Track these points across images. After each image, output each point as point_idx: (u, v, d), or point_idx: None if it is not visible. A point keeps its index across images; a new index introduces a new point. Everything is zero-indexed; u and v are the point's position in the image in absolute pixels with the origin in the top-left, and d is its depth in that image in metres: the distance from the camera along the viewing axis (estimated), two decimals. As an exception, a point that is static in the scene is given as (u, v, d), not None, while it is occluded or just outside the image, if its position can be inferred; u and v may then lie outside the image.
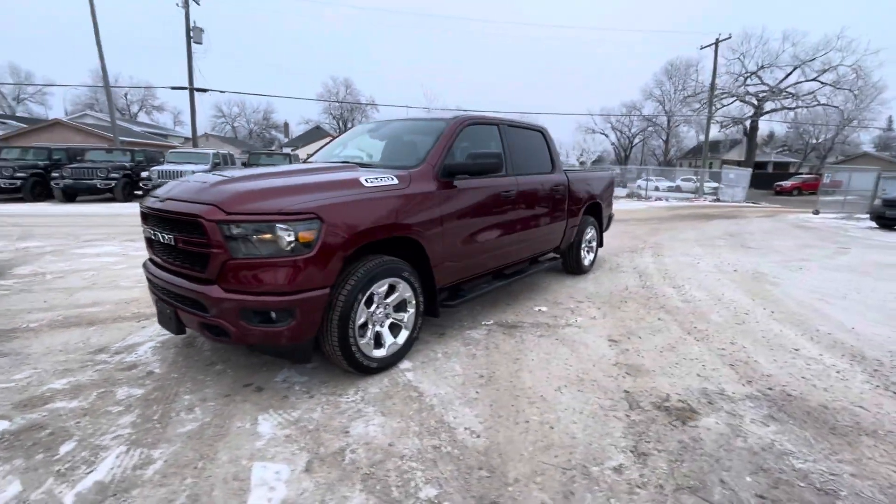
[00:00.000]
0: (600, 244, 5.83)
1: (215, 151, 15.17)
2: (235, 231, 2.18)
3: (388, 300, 2.76)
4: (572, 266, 5.25)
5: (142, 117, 53.14)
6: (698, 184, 24.09)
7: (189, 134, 26.16)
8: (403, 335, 2.87)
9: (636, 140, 53.58)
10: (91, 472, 1.84)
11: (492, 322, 3.68)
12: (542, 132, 4.54)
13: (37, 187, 13.12)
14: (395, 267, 2.69)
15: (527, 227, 4.01)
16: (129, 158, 14.32)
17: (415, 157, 3.16)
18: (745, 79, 34.90)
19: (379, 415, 2.29)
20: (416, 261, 2.94)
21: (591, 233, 5.43)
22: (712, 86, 25.58)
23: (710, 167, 32.48)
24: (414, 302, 2.88)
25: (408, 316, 2.88)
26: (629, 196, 22.81)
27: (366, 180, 2.66)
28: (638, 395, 2.53)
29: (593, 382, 2.66)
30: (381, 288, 2.64)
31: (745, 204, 21.08)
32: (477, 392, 2.53)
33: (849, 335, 3.52)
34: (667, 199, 21.03)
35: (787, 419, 2.30)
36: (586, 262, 5.39)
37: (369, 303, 2.62)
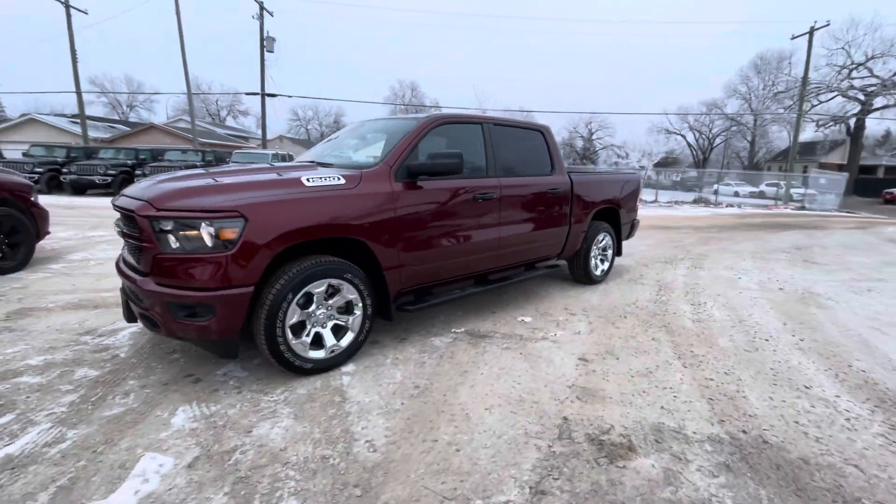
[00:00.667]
0: (618, 253, 5.38)
1: (275, 152, 16.23)
2: (163, 226, 2.26)
3: (331, 301, 2.72)
4: (580, 275, 4.89)
5: (229, 121, 58.54)
6: (784, 189, 21.54)
7: (268, 136, 28.32)
8: (348, 338, 2.82)
9: (717, 141, 49.24)
10: (9, 444, 1.99)
11: (462, 330, 3.51)
12: (542, 132, 4.27)
13: (124, 183, 14.88)
14: (335, 268, 2.65)
15: (515, 232, 3.79)
16: (200, 158, 15.76)
17: (353, 155, 3.10)
18: (850, 71, 30.60)
19: (291, 417, 2.25)
20: (368, 263, 2.87)
21: (604, 240, 5.02)
22: (804, 80, 22.70)
23: (805, 171, 28.94)
24: (361, 305, 2.82)
25: (353, 318, 2.82)
26: (696, 202, 20.95)
27: (307, 180, 2.64)
28: (577, 423, 2.26)
29: (534, 405, 2.43)
30: (318, 289, 2.61)
31: (836, 213, 18.47)
32: (402, 403, 2.41)
33: (890, 375, 2.90)
34: (739, 206, 19.00)
35: (745, 471, 1.93)
36: (598, 272, 4.99)
37: (307, 303, 2.60)
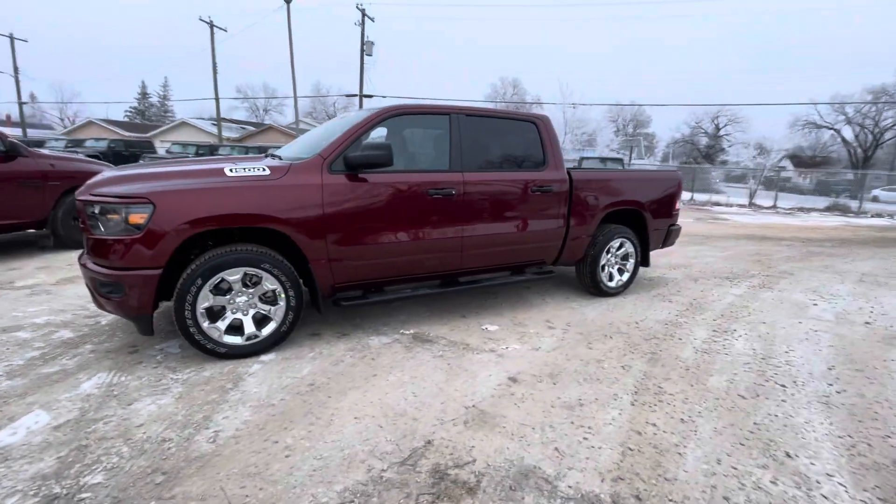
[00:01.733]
0: (644, 262, 4.65)
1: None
2: (91, 210, 2.52)
3: (252, 290, 2.78)
4: (587, 285, 4.34)
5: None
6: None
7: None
8: (270, 327, 2.85)
9: (887, 136, 39.89)
10: (-41, 386, 2.40)
11: (412, 332, 3.34)
12: (535, 123, 3.84)
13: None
14: (251, 257, 2.69)
15: (485, 232, 3.49)
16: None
17: (319, 148, 3.07)
18: None
19: (175, 397, 2.35)
20: (299, 254, 2.88)
21: (623, 248, 4.37)
22: None
23: None
24: (283, 295, 2.84)
25: (276, 309, 2.85)
26: (828, 209, 17.20)
27: (230, 170, 2.72)
28: (437, 449, 1.98)
29: (411, 421, 2.19)
30: (233, 276, 2.68)
31: None
32: (283, 399, 2.36)
33: (945, 459, 2.05)
34: (892, 217, 15.10)
35: (592, 547, 1.50)
36: (612, 283, 4.37)
37: (224, 290, 2.69)
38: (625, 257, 4.47)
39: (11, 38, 29.13)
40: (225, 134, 30.30)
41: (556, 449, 2.01)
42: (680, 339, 3.40)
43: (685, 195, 20.23)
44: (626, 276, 4.49)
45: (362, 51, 23.90)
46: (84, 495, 1.66)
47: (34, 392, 2.35)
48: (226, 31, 26.49)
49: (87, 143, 18.36)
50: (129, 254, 2.46)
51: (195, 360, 2.75)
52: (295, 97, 22.32)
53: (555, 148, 3.89)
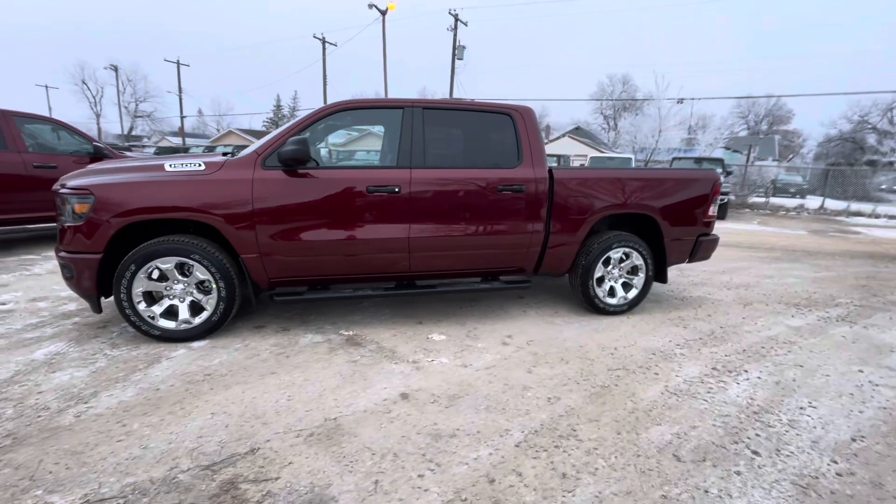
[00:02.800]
0: (659, 278, 3.91)
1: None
2: (57, 200, 2.89)
3: (188, 279, 2.94)
4: (580, 300, 3.78)
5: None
6: None
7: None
8: (203, 316, 2.99)
9: None
10: (-39, 341, 2.93)
11: (350, 333, 3.23)
12: (512, 116, 3.45)
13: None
14: (181, 248, 2.84)
15: (436, 234, 3.24)
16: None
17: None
18: None
19: (91, 371, 2.57)
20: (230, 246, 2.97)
21: (628, 259, 3.73)
22: None
23: None
24: (215, 286, 2.95)
25: (208, 298, 2.97)
26: None
27: (169, 166, 2.90)
28: (251, 460, 1.85)
29: (260, 426, 2.10)
30: (165, 265, 2.85)
31: None
32: (170, 386, 2.43)
33: None
34: None
35: None
36: (612, 300, 3.75)
37: (161, 277, 2.89)
38: (633, 270, 3.80)
39: (178, 63, 35.64)
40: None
41: (377, 482, 1.75)
42: (656, 374, 2.76)
43: (812, 202, 16.76)
44: (632, 293, 3.82)
45: (453, 55, 24.31)
46: (-59, 447, 1.88)
47: (2, 352, 2.77)
48: (335, 45, 29.11)
49: (217, 149, 21.62)
50: (75, 239, 2.77)
51: (138, 341, 2.98)
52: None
53: (533, 143, 3.45)
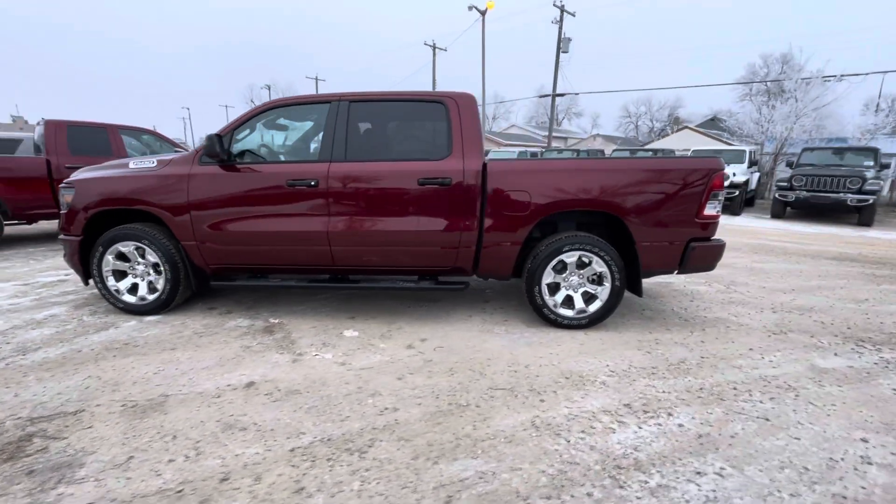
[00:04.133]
0: (633, 289, 3.24)
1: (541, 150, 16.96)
2: (59, 192, 3.59)
3: (144, 259, 3.40)
4: (530, 309, 3.34)
5: (565, 124, 63.40)
6: None
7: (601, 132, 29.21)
8: (155, 294, 3.42)
9: None
10: None
11: (276, 321, 3.37)
12: (445, 104, 3.19)
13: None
14: (134, 234, 3.29)
15: (355, 228, 3.18)
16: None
17: None
18: None
19: (52, 329, 3.14)
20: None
21: (587, 265, 3.17)
22: None
23: None
24: (163, 269, 3.35)
25: (160, 278, 3.39)
26: None
27: (133, 164, 3.38)
28: (75, 414, 2.07)
29: (107, 392, 2.33)
30: (126, 248, 3.34)
31: None
32: (90, 349, 2.84)
33: None
34: None
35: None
36: (567, 312, 3.23)
37: (124, 258, 3.40)
38: (598, 279, 3.21)
39: (316, 79, 40.74)
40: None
41: (130, 458, 1.81)
42: (542, 401, 2.31)
43: None
44: (594, 306, 3.22)
45: (558, 48, 23.20)
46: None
47: (24, 311, 3.55)
48: (445, 50, 30.13)
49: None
50: (65, 224, 3.41)
51: (113, 313, 3.54)
52: (483, 104, 23.58)
53: (467, 133, 3.15)
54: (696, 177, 3.05)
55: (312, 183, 3.14)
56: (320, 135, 3.27)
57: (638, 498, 1.65)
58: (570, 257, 3.16)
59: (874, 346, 3.12)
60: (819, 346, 3.09)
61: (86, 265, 3.47)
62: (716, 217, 3.13)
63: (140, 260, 3.39)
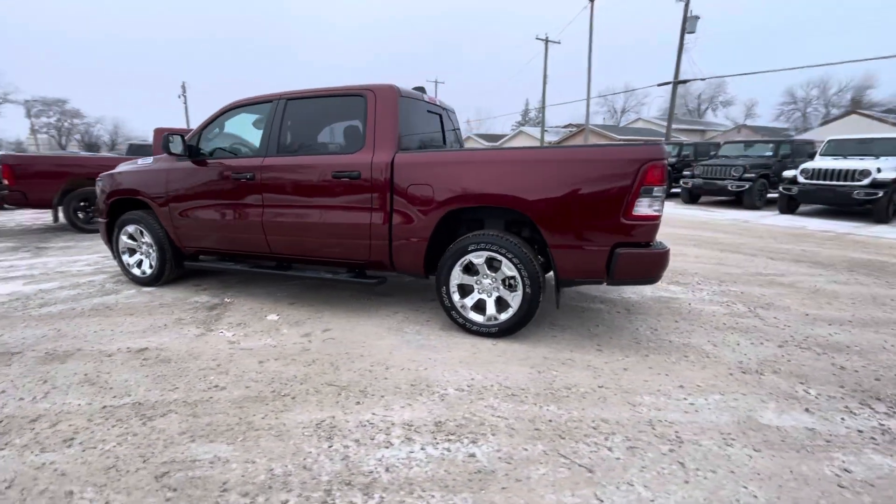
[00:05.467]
0: (552, 295, 2.80)
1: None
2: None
3: (145, 240, 4.10)
4: (443, 310, 3.14)
5: (709, 115, 55.37)
6: None
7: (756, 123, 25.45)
8: (148, 270, 4.10)
9: None
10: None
11: (229, 301, 3.75)
12: (365, 97, 3.16)
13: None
14: (132, 219, 4.00)
15: (281, 220, 3.39)
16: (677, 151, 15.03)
17: None
18: None
19: (74, 290, 3.99)
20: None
21: (498, 267, 2.87)
22: None
23: None
24: (154, 248, 4.01)
25: (152, 255, 4.06)
26: None
27: (140, 161, 4.09)
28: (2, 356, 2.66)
29: (47, 344, 2.90)
30: (131, 229, 4.07)
31: None
32: (81, 309, 3.55)
33: None
34: None
35: None
36: (475, 317, 2.97)
37: (132, 237, 4.15)
38: (510, 283, 2.88)
39: (436, 83, 42.67)
40: (549, 138, 33.30)
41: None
42: (358, 403, 2.19)
43: None
44: (507, 314, 2.89)
45: (683, 29, 20.42)
46: (-31, 313, 3.48)
47: (80, 276, 4.57)
48: (559, 43, 28.92)
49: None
50: (99, 210, 4.30)
51: (126, 282, 4.34)
52: (588, 98, 21.95)
53: (381, 125, 3.08)
54: (620, 168, 2.52)
55: (248, 176, 3.42)
56: (261, 131, 3.55)
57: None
58: (479, 258, 2.88)
59: (891, 406, 2.20)
60: (793, 396, 2.30)
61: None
62: (651, 218, 2.54)
63: (142, 240, 4.11)
